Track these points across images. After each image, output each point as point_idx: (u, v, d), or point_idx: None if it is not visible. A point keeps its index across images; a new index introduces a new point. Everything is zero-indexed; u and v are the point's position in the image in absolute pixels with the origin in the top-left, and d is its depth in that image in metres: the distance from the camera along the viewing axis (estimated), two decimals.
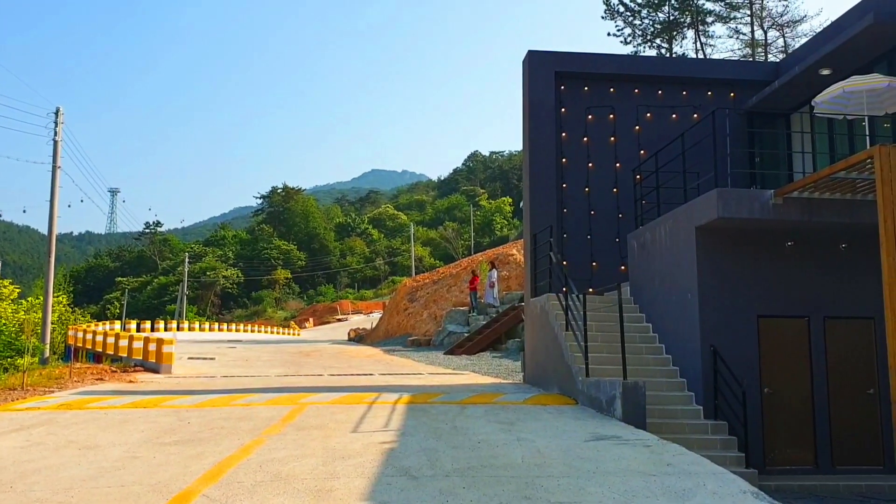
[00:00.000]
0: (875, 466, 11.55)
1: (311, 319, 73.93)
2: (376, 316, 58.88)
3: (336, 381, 17.55)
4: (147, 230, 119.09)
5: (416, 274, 69.05)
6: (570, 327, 12.71)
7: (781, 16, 53.46)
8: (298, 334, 57.43)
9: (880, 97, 12.25)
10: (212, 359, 24.81)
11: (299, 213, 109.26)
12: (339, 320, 72.30)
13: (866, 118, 12.95)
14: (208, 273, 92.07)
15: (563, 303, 13.04)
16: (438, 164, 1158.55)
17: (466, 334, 30.18)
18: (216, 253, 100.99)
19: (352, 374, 19.71)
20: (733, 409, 11.20)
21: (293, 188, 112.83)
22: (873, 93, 12.11)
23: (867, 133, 13.48)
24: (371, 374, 19.77)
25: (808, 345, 12.02)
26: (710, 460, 7.78)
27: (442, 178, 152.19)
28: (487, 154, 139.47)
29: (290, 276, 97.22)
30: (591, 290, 14.76)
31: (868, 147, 11.30)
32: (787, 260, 12.15)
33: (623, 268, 15.65)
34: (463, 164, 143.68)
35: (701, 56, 53.31)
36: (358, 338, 45.94)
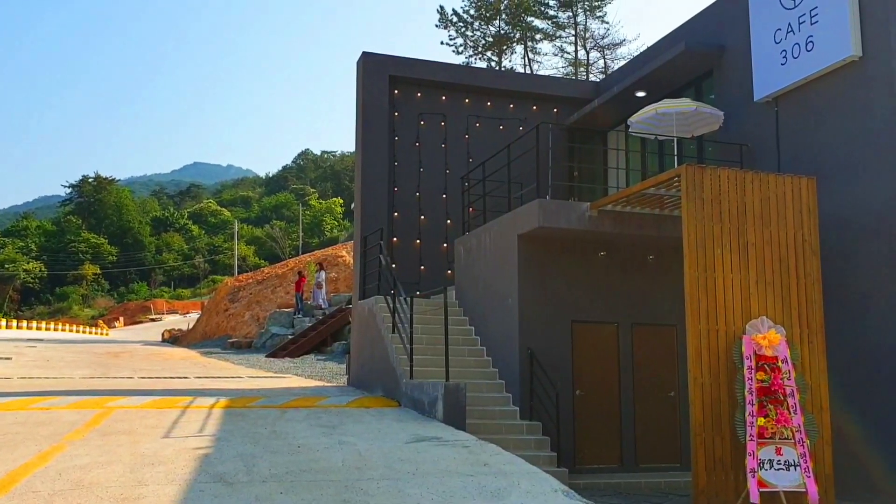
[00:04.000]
0: (673, 464, 12.38)
1: (121, 318, 69.72)
2: (194, 316, 56.46)
3: (147, 384, 16.67)
4: None
5: (238, 273, 66.81)
6: (396, 330, 12.76)
7: (603, 38, 56.69)
8: (107, 334, 53.99)
9: (688, 120, 13.25)
10: (8, 359, 22.86)
11: (112, 204, 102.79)
12: (153, 320, 68.66)
13: (675, 139, 13.93)
14: (7, 266, 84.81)
15: (391, 305, 13.08)
16: (267, 160, 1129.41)
17: (291, 336, 29.59)
18: (17, 244, 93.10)
19: (165, 377, 18.79)
20: (547, 411, 11.67)
21: (106, 178, 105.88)
22: (682, 116, 13.09)
23: (676, 153, 14.50)
24: (186, 378, 18.94)
25: (616, 349, 12.72)
26: (524, 460, 8.04)
27: (270, 175, 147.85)
28: (319, 153, 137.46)
29: (99, 271, 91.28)
30: (418, 293, 14.91)
31: (676, 166, 12.14)
32: (599, 269, 12.82)
33: (450, 272, 15.93)
34: (293, 162, 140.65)
35: (528, 71, 55.47)
36: (173, 339, 43.91)
